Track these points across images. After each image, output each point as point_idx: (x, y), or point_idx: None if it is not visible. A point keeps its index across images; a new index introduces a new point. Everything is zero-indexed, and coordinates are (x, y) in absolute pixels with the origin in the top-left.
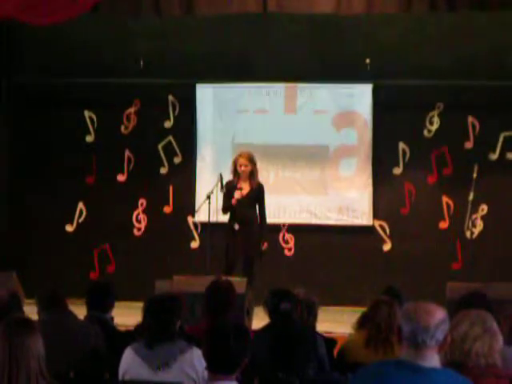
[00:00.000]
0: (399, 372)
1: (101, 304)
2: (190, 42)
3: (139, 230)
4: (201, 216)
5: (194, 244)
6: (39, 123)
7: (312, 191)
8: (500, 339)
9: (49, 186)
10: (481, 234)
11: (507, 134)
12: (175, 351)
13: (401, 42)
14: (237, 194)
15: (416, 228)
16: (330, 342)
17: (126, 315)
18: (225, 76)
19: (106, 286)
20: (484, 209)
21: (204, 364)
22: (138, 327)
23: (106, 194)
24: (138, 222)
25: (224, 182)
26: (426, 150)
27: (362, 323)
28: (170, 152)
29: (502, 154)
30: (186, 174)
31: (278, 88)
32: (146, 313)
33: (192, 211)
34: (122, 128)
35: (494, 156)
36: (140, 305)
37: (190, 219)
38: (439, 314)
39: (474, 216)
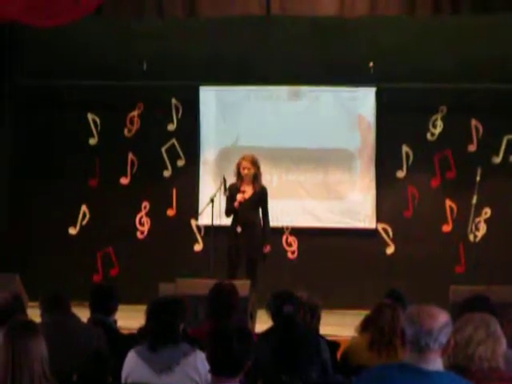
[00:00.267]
0: (402, 375)
1: (104, 307)
2: (193, 45)
3: (142, 233)
4: (204, 219)
5: (198, 247)
6: (42, 126)
7: (315, 194)
8: (503, 343)
9: (52, 189)
10: (484, 237)
11: (511, 137)
12: (178, 354)
13: (404, 45)
14: (239, 197)
15: (419, 231)
16: (334, 345)
17: (130, 318)
18: (228, 79)
19: (110, 288)
20: (487, 212)
21: (207, 367)
22: (142, 330)
23: (109, 196)
24: (142, 225)
25: (227, 185)
26: (430, 153)
27: (365, 326)
28: (173, 155)
29: (506, 157)
30: (189, 177)
31: (282, 91)
32: (150, 316)
33: (195, 214)
34: (126, 131)
35: (498, 159)
36: (143, 308)
37: (193, 222)
38: (442, 318)
39: (477, 219)
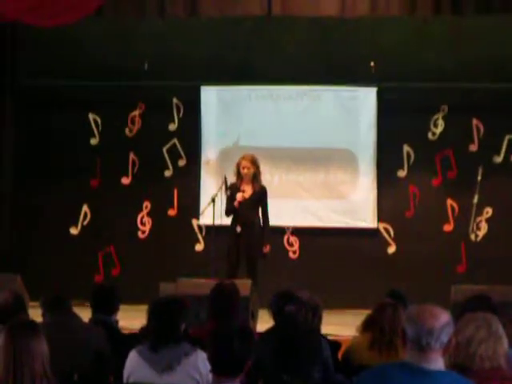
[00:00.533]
0: (403, 374)
1: (105, 307)
2: (194, 45)
3: (144, 232)
4: (205, 219)
5: (199, 247)
6: (43, 125)
7: (316, 194)
8: (505, 342)
9: (53, 189)
10: (485, 236)
11: None
12: (180, 354)
13: (405, 45)
14: (239, 197)
15: (420, 231)
16: (335, 344)
17: (131, 318)
18: (229, 79)
19: (111, 288)
20: (488, 211)
21: (208, 367)
22: (143, 330)
23: (110, 196)
24: (143, 224)
25: (228, 185)
26: (431, 152)
27: (366, 326)
28: (174, 155)
29: (507, 156)
30: (190, 177)
31: (283, 91)
32: (151, 315)
33: (196, 214)
34: (127, 131)
35: (499, 159)
36: (144, 308)
37: (194, 222)
38: (443, 317)
39: (478, 219)
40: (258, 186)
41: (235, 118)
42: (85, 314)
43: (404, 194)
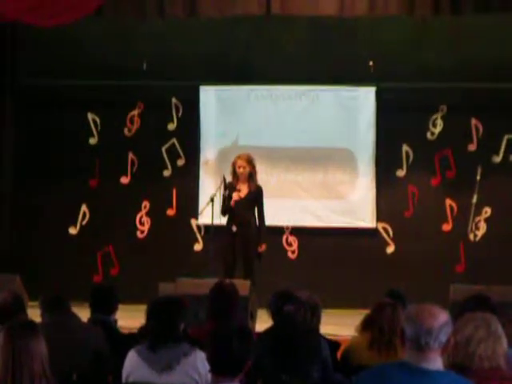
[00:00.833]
0: (402, 374)
1: (104, 307)
2: (193, 45)
3: (142, 232)
4: (204, 218)
5: (198, 246)
6: (43, 125)
7: (315, 194)
8: (504, 342)
9: (52, 189)
10: (484, 236)
11: (511, 136)
12: (179, 354)
13: (404, 44)
14: (235, 196)
15: (419, 230)
16: (334, 344)
17: (130, 318)
18: (228, 78)
19: (110, 288)
20: (487, 211)
21: (207, 367)
22: (142, 330)
23: (109, 196)
24: (142, 224)
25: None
26: (430, 152)
27: (365, 326)
28: (173, 154)
29: (506, 156)
30: (189, 177)
31: (282, 90)
32: (150, 315)
33: (195, 214)
34: (126, 130)
35: (498, 158)
36: (143, 307)
37: (193, 222)
38: (442, 317)
39: (477, 218)
40: (253, 186)
41: (234, 118)
42: (84, 313)
43: (403, 193)
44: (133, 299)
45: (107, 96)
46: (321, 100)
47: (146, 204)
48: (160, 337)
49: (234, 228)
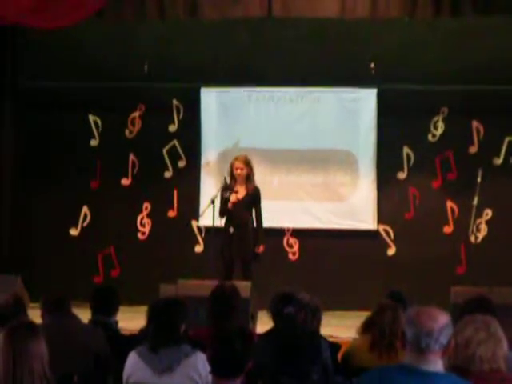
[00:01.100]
0: (403, 376)
1: (105, 308)
2: (194, 47)
3: (143, 233)
4: (205, 220)
5: (199, 248)
6: (44, 127)
7: (316, 196)
8: (505, 345)
9: (53, 190)
10: (485, 238)
11: None
12: (179, 355)
13: (405, 46)
14: (232, 198)
15: (420, 232)
16: (334, 346)
17: (131, 319)
18: (229, 80)
19: (111, 290)
20: (488, 213)
21: (208, 368)
22: (143, 331)
23: (110, 197)
24: (143, 225)
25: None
26: (431, 154)
27: (366, 328)
28: (174, 156)
29: (507, 158)
30: (190, 178)
31: (283, 92)
32: (151, 317)
33: (196, 215)
34: (127, 132)
35: (499, 160)
36: (144, 309)
37: (194, 223)
38: (442, 319)
39: (478, 220)
40: (251, 187)
41: (235, 120)
42: (84, 315)
43: (404, 195)
44: (133, 301)
45: (108, 98)
46: (322, 102)
47: (146, 205)
48: (161, 338)
49: (232, 229)
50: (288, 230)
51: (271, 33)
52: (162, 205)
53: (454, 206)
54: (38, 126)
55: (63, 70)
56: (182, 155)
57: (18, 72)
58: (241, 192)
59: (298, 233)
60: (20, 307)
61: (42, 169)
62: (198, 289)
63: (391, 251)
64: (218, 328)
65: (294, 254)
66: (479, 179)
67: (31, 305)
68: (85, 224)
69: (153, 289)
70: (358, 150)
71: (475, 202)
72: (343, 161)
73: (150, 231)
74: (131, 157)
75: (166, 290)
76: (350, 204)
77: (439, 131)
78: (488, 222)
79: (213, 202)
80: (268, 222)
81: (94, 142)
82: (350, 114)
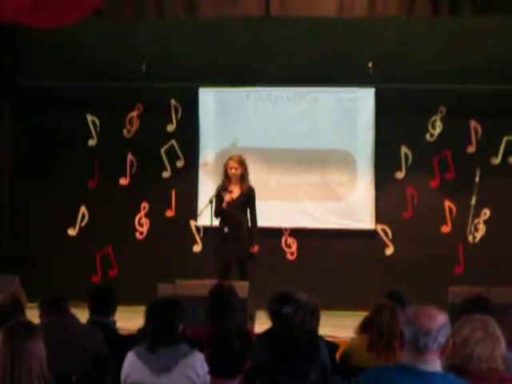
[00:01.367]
0: (401, 376)
1: (103, 308)
2: (192, 46)
3: (141, 233)
4: (203, 220)
5: (197, 248)
6: (42, 126)
7: (314, 195)
8: (503, 344)
9: (51, 190)
10: (483, 238)
11: (510, 138)
12: (177, 355)
13: (403, 46)
14: (227, 197)
15: (418, 232)
16: (333, 346)
17: (129, 319)
18: (227, 80)
19: (109, 289)
20: (486, 213)
21: (206, 368)
22: (141, 331)
23: (108, 197)
24: (141, 225)
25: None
26: (429, 154)
27: (364, 327)
28: (172, 156)
29: (505, 158)
30: (188, 178)
31: (281, 92)
32: (149, 317)
33: (194, 215)
34: (125, 132)
35: (497, 160)
36: (142, 309)
37: (192, 223)
38: (440, 318)
39: (476, 220)
40: (245, 187)
41: (233, 120)
42: (82, 314)
43: (402, 195)
44: (132, 300)
45: (106, 97)
46: (320, 101)
47: (145, 205)
48: (159, 338)
49: (226, 229)
50: (286, 229)
51: (269, 32)
52: (160, 205)
53: (452, 206)
54: (36, 125)
55: (61, 69)
56: (180, 155)
57: (17, 71)
58: (235, 192)
59: (296, 233)
60: (18, 307)
61: (39, 168)
62: (196, 288)
63: (389, 251)
64: (216, 328)
65: (292, 253)
66: (477, 179)
67: (29, 305)
68: (83, 224)
69: (151, 288)
70: (356, 150)
71: (473, 201)
72: (341, 160)
73: (148, 231)
74: (129, 156)
75: (164, 289)
76: (348, 204)
77: (437, 131)
78: (486, 222)
79: (211, 201)
80: (266, 221)
81: (92, 142)
82: (347, 113)
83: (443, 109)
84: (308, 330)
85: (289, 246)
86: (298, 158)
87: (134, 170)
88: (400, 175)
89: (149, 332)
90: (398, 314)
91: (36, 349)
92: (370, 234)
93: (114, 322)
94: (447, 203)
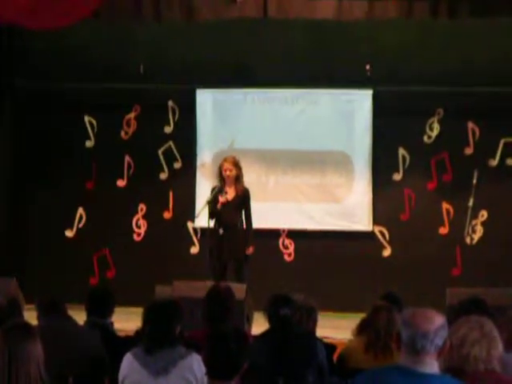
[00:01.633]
0: (398, 377)
1: (101, 309)
2: (190, 48)
3: (139, 235)
4: (200, 221)
5: (194, 249)
6: (39, 128)
7: (312, 197)
8: (499, 345)
9: (49, 192)
10: (480, 239)
11: (507, 139)
12: (175, 357)
13: (401, 47)
14: (222, 198)
15: (416, 234)
16: (330, 347)
17: (126, 321)
18: (225, 81)
19: (106, 291)
20: (484, 215)
21: (203, 370)
22: (138, 333)
23: (105, 199)
24: (138, 227)
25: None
26: (426, 155)
27: (361, 329)
28: (169, 157)
29: (502, 159)
30: (185, 180)
31: (278, 93)
32: (146, 318)
33: (192, 216)
34: (122, 133)
35: (494, 162)
36: (140, 310)
37: (189, 224)
38: (438, 320)
39: (473, 222)
40: (240, 188)
41: (231, 121)
42: (80, 316)
43: (399, 197)
44: (129, 302)
45: (104, 99)
46: (317, 103)
47: (142, 207)
48: (156, 340)
49: (221, 231)
50: (283, 230)
51: (267, 34)
52: (158, 206)
53: (450, 208)
54: (34, 126)
55: (59, 70)
56: (178, 156)
57: (14, 73)
58: (230, 193)
59: (293, 234)
60: (15, 309)
61: (37, 169)
62: (193, 290)
63: (386, 252)
64: (214, 329)
65: (289, 255)
66: (475, 181)
67: (27, 306)
68: (80, 225)
69: (148, 290)
70: (353, 152)
71: (471, 203)
72: (339, 162)
73: (146, 232)
74: (127, 158)
75: (162, 291)
76: (346, 205)
77: (435, 132)
78: (483, 224)
79: (208, 203)
80: (263, 223)
81: (89, 143)
82: (345, 115)
83: (441, 111)
84: (305, 331)
85: (286, 247)
86: (296, 159)
87: (131, 172)
88: (397, 177)
89: (146, 334)
90: (395, 316)
91: (34, 350)
92: (368, 236)
93: (112, 324)
94: (445, 205)
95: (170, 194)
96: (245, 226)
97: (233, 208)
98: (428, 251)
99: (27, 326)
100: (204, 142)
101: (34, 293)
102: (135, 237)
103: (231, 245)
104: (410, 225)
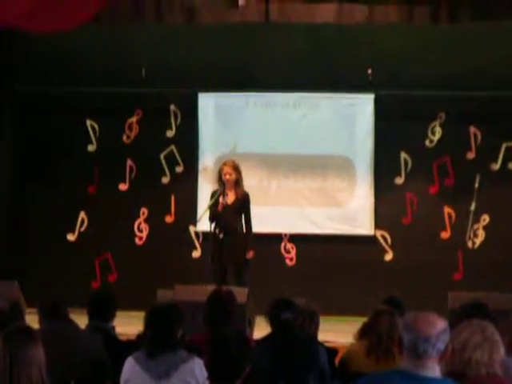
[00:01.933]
0: (399, 381)
1: (102, 313)
2: (191, 52)
3: (141, 239)
4: (202, 225)
5: (196, 253)
6: (41, 132)
7: (314, 201)
8: (501, 349)
9: (50, 195)
10: (482, 244)
11: (509, 144)
12: (176, 361)
13: (403, 52)
14: (222, 200)
15: (418, 238)
16: (332, 351)
17: (128, 324)
18: (227, 85)
19: (108, 295)
20: (486, 219)
21: (205, 373)
22: (140, 337)
23: (107, 203)
24: (140, 231)
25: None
26: (428, 160)
27: (363, 333)
28: (171, 161)
29: (504, 164)
30: (187, 184)
31: (280, 98)
32: (148, 322)
33: (194, 220)
34: (124, 137)
35: (496, 166)
36: (142, 314)
37: (191, 228)
38: (440, 324)
39: (475, 226)
40: (240, 192)
41: (233, 125)
42: (82, 320)
43: (401, 201)
44: (131, 306)
45: (106, 103)
46: (319, 107)
47: (144, 211)
48: (158, 344)
49: (221, 235)
50: (285, 235)
51: (268, 38)
52: (160, 210)
53: (452, 212)
54: (35, 130)
55: (61, 74)
56: (180, 160)
57: (15, 77)
58: (230, 197)
59: (295, 238)
60: (17, 312)
61: (39, 173)
62: (195, 294)
63: (388, 256)
64: (215, 333)
65: (291, 259)
66: (476, 185)
67: (28, 310)
68: (82, 229)
69: (150, 294)
70: (355, 156)
71: (472, 207)
72: (340, 166)
73: (148, 236)
74: (128, 162)
75: (164, 295)
76: (348, 209)
77: (436, 137)
78: (485, 228)
79: (210, 207)
80: (265, 227)
81: (91, 147)
82: (347, 119)
83: (443, 115)
84: (307, 335)
85: (288, 252)
86: (298, 163)
87: (133, 176)
88: (399, 181)
89: (148, 338)
90: (397, 320)
91: (35, 354)
92: (370, 240)
93: (114, 328)
94: (446, 209)
95: (172, 197)
96: (245, 230)
97: (232, 212)
98: (430, 255)
99: (29, 329)
100: (206, 145)
101: (36, 297)
102: (137, 241)
103: (231, 249)
104: (412, 229)
